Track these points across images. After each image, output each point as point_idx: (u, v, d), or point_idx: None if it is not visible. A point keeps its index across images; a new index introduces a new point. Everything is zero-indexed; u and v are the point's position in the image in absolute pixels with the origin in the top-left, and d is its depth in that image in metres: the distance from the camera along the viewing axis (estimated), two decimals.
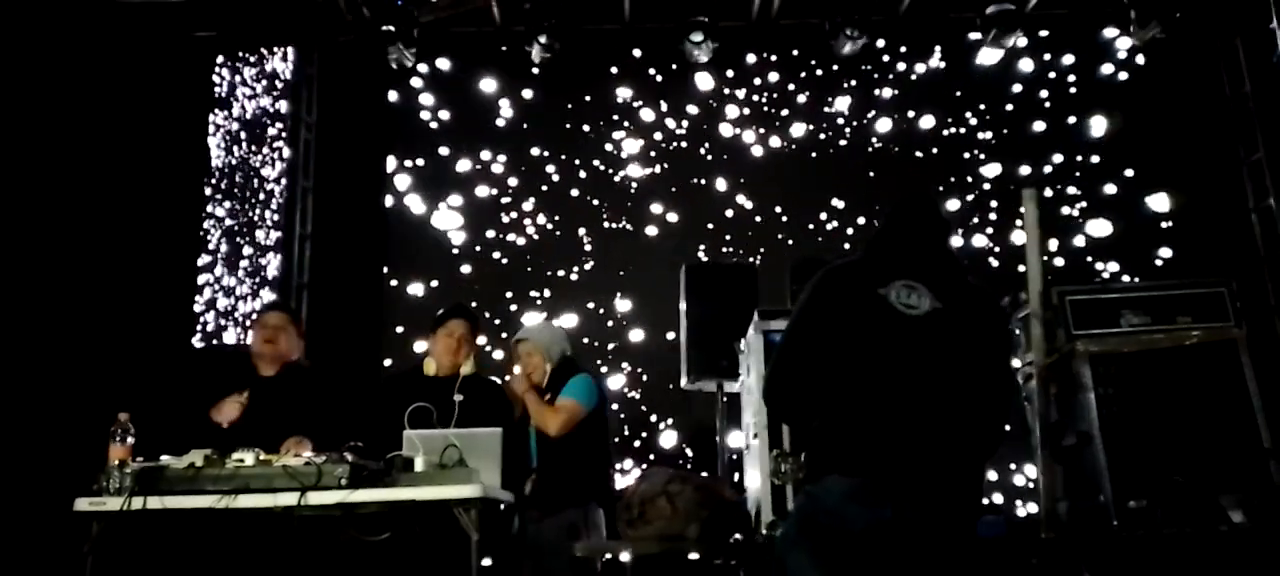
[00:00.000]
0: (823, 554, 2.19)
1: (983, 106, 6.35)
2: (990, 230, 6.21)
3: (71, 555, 2.81)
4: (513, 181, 6.31)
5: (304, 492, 2.70)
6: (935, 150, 6.34)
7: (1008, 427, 2.48)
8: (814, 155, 6.34)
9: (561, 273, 6.19)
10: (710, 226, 6.21)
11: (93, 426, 2.98)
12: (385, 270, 6.15)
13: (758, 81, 6.45)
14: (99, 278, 4.33)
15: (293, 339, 3.64)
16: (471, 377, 3.66)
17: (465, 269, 6.17)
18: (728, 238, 6.20)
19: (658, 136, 6.38)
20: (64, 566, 2.88)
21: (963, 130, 6.36)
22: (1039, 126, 6.33)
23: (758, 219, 6.20)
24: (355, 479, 2.74)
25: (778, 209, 6.22)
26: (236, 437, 2.90)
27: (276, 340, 3.54)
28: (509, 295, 6.13)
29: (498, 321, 5.99)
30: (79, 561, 2.77)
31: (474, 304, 5.89)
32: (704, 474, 5.30)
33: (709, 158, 6.35)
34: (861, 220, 6.15)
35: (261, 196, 5.99)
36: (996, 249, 6.14)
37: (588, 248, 6.23)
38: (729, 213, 6.26)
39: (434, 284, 6.12)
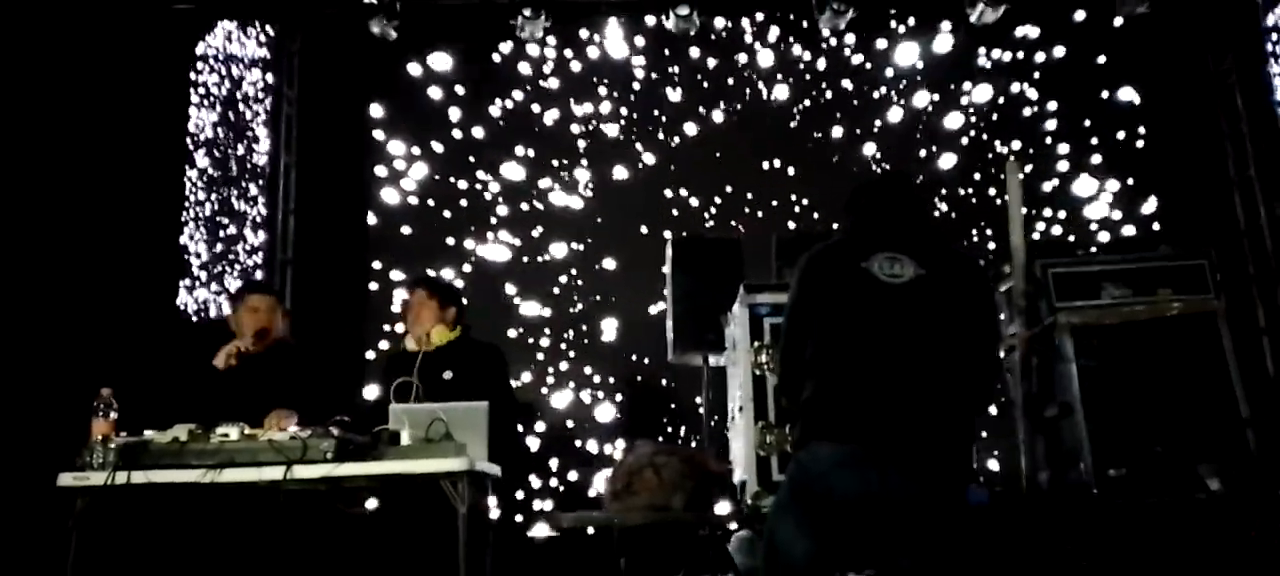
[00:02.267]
0: (812, 520, 2.22)
1: (967, 83, 6.35)
2: (975, 201, 6.24)
3: (56, 530, 2.80)
4: (499, 153, 6.28)
5: (290, 466, 2.70)
6: (921, 122, 6.34)
7: (999, 387, 2.52)
8: (800, 125, 6.34)
9: (549, 246, 6.18)
10: (696, 201, 6.22)
11: (75, 401, 2.97)
12: (369, 243, 6.12)
13: (743, 51, 6.42)
14: (81, 253, 4.28)
15: (277, 318, 3.63)
16: (457, 346, 3.62)
17: (449, 241, 6.15)
18: (712, 212, 6.20)
19: (653, 109, 6.35)
20: (49, 542, 2.87)
21: (947, 101, 6.36)
22: (1024, 99, 6.34)
23: (748, 194, 6.20)
24: (341, 453, 2.74)
25: (759, 183, 6.22)
26: (223, 413, 2.89)
27: (264, 325, 3.52)
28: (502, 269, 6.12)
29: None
30: (64, 537, 2.77)
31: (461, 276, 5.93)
32: (690, 446, 5.35)
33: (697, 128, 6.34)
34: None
35: (245, 173, 5.94)
36: (982, 223, 6.18)
37: (575, 220, 6.22)
38: (716, 187, 6.27)
39: (418, 257, 6.09)
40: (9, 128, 4.08)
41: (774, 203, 6.17)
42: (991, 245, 6.05)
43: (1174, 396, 3.68)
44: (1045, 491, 3.69)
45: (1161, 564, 3.39)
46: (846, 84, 6.37)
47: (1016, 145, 6.25)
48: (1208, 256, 3.88)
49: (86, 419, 2.84)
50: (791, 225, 6.03)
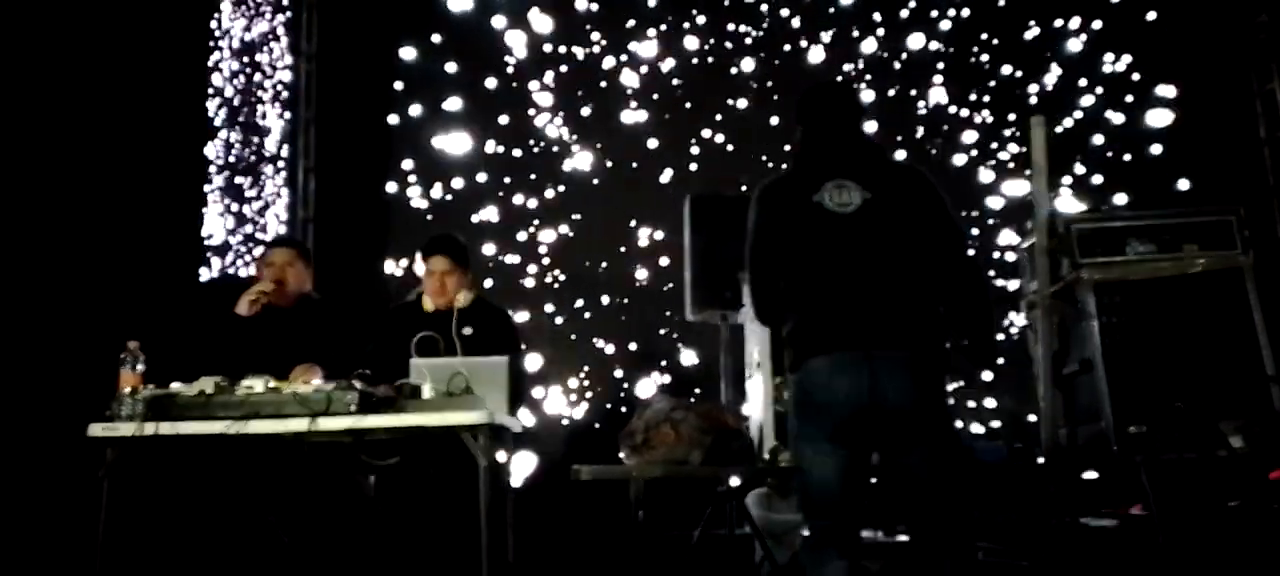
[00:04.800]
0: (825, 429, 2.42)
1: (996, 40, 6.23)
2: (1004, 157, 6.17)
3: (87, 479, 2.87)
4: (519, 105, 6.25)
5: (314, 419, 2.74)
6: (941, 79, 6.25)
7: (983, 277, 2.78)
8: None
9: (566, 200, 6.18)
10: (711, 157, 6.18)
11: (103, 354, 3.01)
12: (389, 197, 6.13)
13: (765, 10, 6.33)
14: (107, 206, 4.33)
15: (301, 272, 3.63)
16: (472, 307, 3.64)
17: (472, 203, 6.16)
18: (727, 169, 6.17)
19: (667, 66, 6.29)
20: (80, 490, 2.94)
21: (973, 57, 6.26)
22: (1048, 57, 6.23)
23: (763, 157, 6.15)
24: (364, 405, 2.78)
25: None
26: (247, 365, 2.93)
27: (284, 277, 3.54)
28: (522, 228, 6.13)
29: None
30: (95, 486, 2.84)
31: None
32: (708, 401, 5.36)
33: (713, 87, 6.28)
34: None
35: (263, 128, 5.95)
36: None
37: (593, 176, 6.20)
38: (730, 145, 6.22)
39: (437, 215, 6.10)
40: (37, 85, 4.11)
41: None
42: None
43: (1198, 353, 3.65)
44: (1064, 447, 3.68)
45: (1181, 521, 3.39)
46: (873, 43, 6.28)
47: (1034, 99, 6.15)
48: (1236, 212, 3.82)
49: (115, 370, 2.89)
50: None
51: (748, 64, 6.32)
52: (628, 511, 3.53)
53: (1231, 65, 5.95)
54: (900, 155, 5.95)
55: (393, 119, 6.18)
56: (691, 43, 6.33)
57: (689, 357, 5.93)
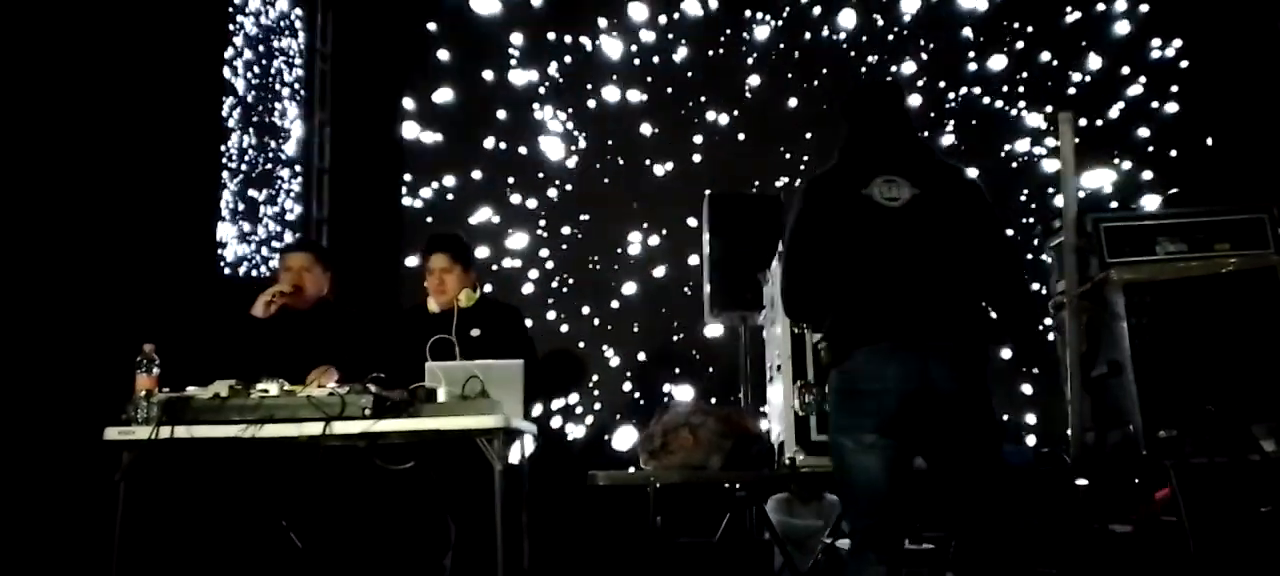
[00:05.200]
0: (868, 419, 2.39)
1: (1020, 43, 6.15)
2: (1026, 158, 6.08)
3: (104, 483, 2.86)
4: (532, 110, 6.22)
5: (329, 422, 2.72)
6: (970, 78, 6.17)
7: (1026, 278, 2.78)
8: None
9: (585, 205, 6.14)
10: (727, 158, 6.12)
11: (119, 357, 3.00)
12: (404, 204, 6.12)
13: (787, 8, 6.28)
14: (122, 209, 4.33)
15: (318, 276, 3.62)
16: (478, 306, 3.59)
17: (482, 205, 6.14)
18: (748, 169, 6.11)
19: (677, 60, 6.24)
20: (98, 494, 2.93)
21: (1001, 59, 6.18)
22: (1076, 53, 6.14)
23: (787, 156, 6.09)
24: (379, 409, 2.75)
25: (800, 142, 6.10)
26: (263, 368, 2.91)
27: (301, 281, 3.52)
28: (528, 229, 6.09)
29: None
30: (112, 489, 2.82)
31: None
32: (728, 405, 5.31)
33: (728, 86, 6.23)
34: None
35: (278, 130, 5.95)
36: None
37: (606, 179, 6.16)
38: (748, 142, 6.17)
39: (451, 213, 6.08)
40: (50, 87, 4.11)
41: (805, 157, 6.06)
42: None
43: (1228, 355, 3.54)
44: (1092, 451, 3.60)
45: (1212, 526, 3.30)
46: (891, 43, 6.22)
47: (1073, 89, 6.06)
48: (1268, 211, 3.72)
49: (130, 374, 2.87)
50: None
51: (758, 48, 6.25)
52: (645, 517, 3.49)
53: (1258, 56, 5.84)
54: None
55: (409, 131, 6.16)
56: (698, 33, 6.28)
57: (705, 360, 5.87)
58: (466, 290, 3.58)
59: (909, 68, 6.19)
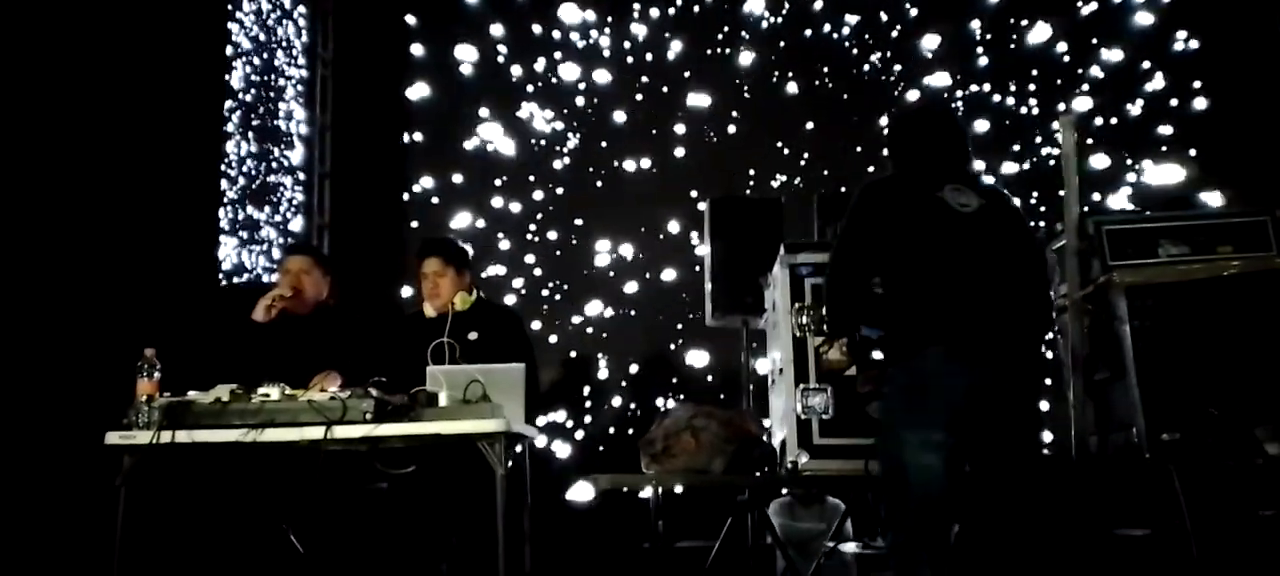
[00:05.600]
0: (936, 419, 2.42)
1: (1013, 46, 6.15)
2: (1025, 165, 6.07)
3: (105, 488, 2.85)
4: (533, 114, 6.22)
5: (329, 427, 2.71)
6: (965, 79, 6.17)
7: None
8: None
9: (582, 209, 6.14)
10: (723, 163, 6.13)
11: (120, 362, 3.00)
12: (406, 206, 6.12)
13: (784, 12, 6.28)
14: (123, 215, 4.33)
15: (318, 280, 3.60)
16: (474, 310, 3.57)
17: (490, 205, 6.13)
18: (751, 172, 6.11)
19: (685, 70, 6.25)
20: (99, 498, 2.92)
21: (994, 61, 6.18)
22: (1080, 57, 6.13)
23: (785, 151, 6.09)
24: (380, 413, 2.74)
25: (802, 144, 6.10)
26: (263, 373, 2.90)
27: (300, 284, 3.51)
28: (531, 233, 6.09)
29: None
30: (112, 493, 2.82)
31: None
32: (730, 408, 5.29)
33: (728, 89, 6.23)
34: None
35: (280, 134, 5.96)
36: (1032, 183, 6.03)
37: (607, 185, 6.16)
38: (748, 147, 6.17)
39: (455, 220, 6.08)
40: (52, 94, 4.12)
41: (802, 160, 6.06)
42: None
43: (1231, 358, 3.53)
44: (1095, 455, 3.59)
45: (1216, 530, 3.29)
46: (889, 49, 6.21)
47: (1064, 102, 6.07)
48: (1271, 213, 3.71)
49: (131, 379, 2.87)
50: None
51: (746, 58, 6.26)
52: (647, 520, 3.48)
53: (1263, 59, 5.83)
54: None
55: (417, 135, 6.16)
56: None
57: (703, 362, 5.87)
58: (461, 293, 3.55)
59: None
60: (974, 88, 6.17)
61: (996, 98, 6.17)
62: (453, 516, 3.29)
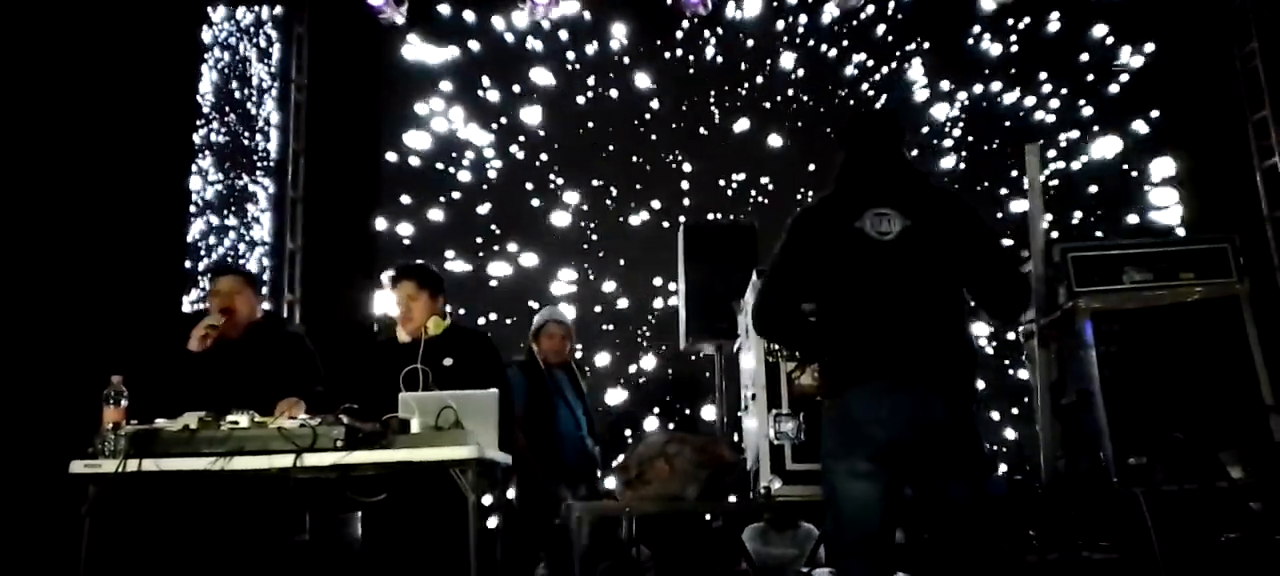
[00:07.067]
0: (862, 454, 2.40)
1: (986, 70, 6.27)
2: (993, 188, 6.17)
3: (70, 518, 2.79)
4: (504, 138, 6.25)
5: (299, 454, 2.68)
6: (938, 105, 6.27)
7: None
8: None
9: (553, 230, 6.15)
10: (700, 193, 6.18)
11: (86, 389, 2.95)
12: (379, 230, 6.11)
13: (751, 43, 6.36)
14: (90, 242, 4.27)
15: (250, 299, 3.52)
16: (447, 335, 3.56)
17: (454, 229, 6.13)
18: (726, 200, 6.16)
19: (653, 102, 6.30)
20: (62, 529, 2.86)
21: (969, 89, 6.30)
22: (1043, 84, 6.26)
23: (762, 179, 6.15)
24: (351, 441, 2.71)
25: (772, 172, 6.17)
26: (199, 399, 2.85)
27: (233, 305, 3.43)
28: (501, 258, 6.09)
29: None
30: (77, 524, 2.76)
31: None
32: (703, 434, 5.30)
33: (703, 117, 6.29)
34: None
35: (252, 159, 5.92)
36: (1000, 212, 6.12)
37: (581, 205, 6.19)
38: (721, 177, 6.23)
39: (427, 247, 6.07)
40: (18, 117, 4.07)
41: (772, 185, 6.13)
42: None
43: (1196, 382, 3.60)
44: (1063, 479, 3.63)
45: (1182, 552, 3.33)
46: (856, 65, 6.31)
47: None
48: (1231, 240, 3.80)
49: (97, 407, 2.82)
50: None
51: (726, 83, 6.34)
52: (620, 547, 3.47)
53: (1221, 90, 5.99)
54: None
55: (390, 155, 6.16)
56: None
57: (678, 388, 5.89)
58: (435, 318, 3.52)
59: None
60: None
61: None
62: (425, 544, 3.25)
